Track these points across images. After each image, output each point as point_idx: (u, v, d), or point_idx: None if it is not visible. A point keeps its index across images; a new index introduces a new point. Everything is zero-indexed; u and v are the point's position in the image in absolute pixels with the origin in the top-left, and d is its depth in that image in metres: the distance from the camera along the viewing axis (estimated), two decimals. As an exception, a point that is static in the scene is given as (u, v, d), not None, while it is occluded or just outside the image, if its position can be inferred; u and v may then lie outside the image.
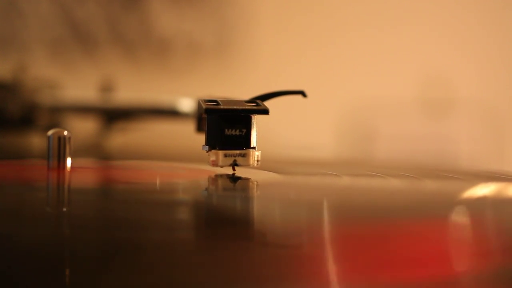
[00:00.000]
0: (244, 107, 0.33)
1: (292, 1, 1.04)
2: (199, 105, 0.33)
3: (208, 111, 0.32)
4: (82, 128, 0.62)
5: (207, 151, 0.33)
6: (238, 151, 0.33)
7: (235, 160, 0.33)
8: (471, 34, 1.01)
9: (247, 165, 0.33)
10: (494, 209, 0.29)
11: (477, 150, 0.97)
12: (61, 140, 0.33)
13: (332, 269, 0.19)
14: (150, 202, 0.28)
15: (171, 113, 0.61)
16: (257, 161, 0.33)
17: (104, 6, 1.02)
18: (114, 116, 0.63)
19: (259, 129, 0.33)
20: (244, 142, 0.33)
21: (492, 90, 1.01)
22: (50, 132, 0.33)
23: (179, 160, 0.48)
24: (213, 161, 0.33)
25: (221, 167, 0.33)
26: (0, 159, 0.47)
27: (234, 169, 0.34)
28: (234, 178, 0.34)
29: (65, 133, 0.34)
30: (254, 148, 0.33)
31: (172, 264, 0.19)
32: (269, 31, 1.02)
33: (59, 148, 0.33)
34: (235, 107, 0.33)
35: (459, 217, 0.27)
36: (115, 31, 1.03)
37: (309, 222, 0.25)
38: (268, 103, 0.34)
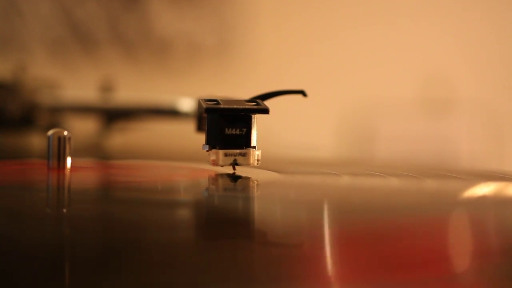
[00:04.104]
0: (244, 107, 0.33)
1: (292, 1, 1.04)
2: (199, 104, 0.33)
3: (208, 110, 0.32)
4: (82, 128, 0.62)
5: (207, 151, 0.33)
6: (238, 151, 0.33)
7: (235, 160, 0.33)
8: (471, 34, 1.01)
9: (248, 164, 0.33)
10: (494, 209, 0.29)
11: (477, 150, 0.97)
12: (61, 140, 0.33)
13: (332, 268, 0.19)
14: (150, 202, 0.28)
15: (171, 113, 0.61)
16: (258, 160, 0.33)
17: (104, 6, 1.02)
18: (114, 116, 0.63)
19: (260, 128, 0.33)
20: (244, 142, 0.33)
21: (492, 90, 1.01)
22: (50, 132, 0.33)
23: (179, 160, 0.48)
24: (213, 160, 0.33)
25: (222, 166, 0.33)
26: (0, 159, 0.47)
27: (234, 169, 0.34)
28: (234, 178, 0.34)
29: (65, 133, 0.34)
30: (254, 147, 0.33)
31: (173, 264, 0.19)
32: (269, 31, 1.02)
33: (59, 148, 0.33)
34: (235, 106, 0.33)
35: (459, 217, 0.27)
36: (115, 31, 1.03)
37: (310, 221, 0.25)
38: (268, 103, 0.33)
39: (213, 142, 0.33)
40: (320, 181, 0.37)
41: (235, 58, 1.03)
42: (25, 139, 0.65)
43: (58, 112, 0.65)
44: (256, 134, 0.33)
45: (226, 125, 0.32)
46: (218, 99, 0.33)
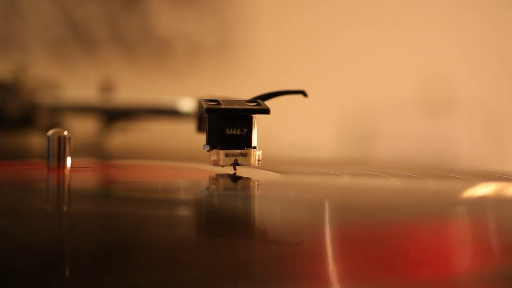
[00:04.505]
0: (245, 107, 0.33)
1: (292, 1, 1.04)
2: (200, 104, 0.33)
3: (209, 110, 0.32)
4: (82, 128, 0.62)
5: (208, 151, 0.33)
6: (239, 151, 0.33)
7: (236, 160, 0.33)
8: (471, 34, 1.01)
9: (248, 164, 0.33)
10: (494, 209, 0.29)
11: (477, 150, 0.97)
12: (61, 140, 0.33)
13: (332, 268, 0.19)
14: (150, 202, 0.28)
15: (171, 113, 0.61)
16: (258, 160, 0.33)
17: (104, 6, 1.02)
18: (114, 116, 0.63)
19: (260, 128, 0.33)
20: (245, 142, 0.33)
21: (492, 90, 1.01)
22: (50, 132, 0.33)
23: (179, 160, 0.48)
24: (214, 160, 0.33)
25: (222, 166, 0.33)
26: (0, 159, 0.47)
27: (235, 169, 0.34)
28: (235, 178, 0.34)
29: (65, 133, 0.34)
30: (255, 147, 0.33)
31: (173, 264, 0.19)
32: (269, 31, 1.02)
33: (59, 148, 0.33)
34: (236, 106, 0.32)
35: (459, 217, 0.27)
36: (115, 31, 1.03)
37: (310, 221, 0.25)
38: (269, 103, 0.33)
39: (213, 142, 0.33)
40: (320, 181, 0.37)
41: (235, 58, 1.03)
42: (25, 139, 0.65)
43: (58, 112, 0.65)
44: (257, 134, 0.33)
45: (227, 125, 0.32)
46: (219, 99, 0.33)
